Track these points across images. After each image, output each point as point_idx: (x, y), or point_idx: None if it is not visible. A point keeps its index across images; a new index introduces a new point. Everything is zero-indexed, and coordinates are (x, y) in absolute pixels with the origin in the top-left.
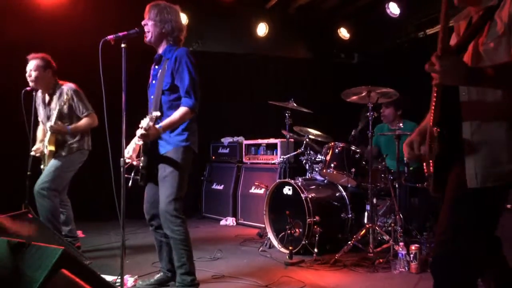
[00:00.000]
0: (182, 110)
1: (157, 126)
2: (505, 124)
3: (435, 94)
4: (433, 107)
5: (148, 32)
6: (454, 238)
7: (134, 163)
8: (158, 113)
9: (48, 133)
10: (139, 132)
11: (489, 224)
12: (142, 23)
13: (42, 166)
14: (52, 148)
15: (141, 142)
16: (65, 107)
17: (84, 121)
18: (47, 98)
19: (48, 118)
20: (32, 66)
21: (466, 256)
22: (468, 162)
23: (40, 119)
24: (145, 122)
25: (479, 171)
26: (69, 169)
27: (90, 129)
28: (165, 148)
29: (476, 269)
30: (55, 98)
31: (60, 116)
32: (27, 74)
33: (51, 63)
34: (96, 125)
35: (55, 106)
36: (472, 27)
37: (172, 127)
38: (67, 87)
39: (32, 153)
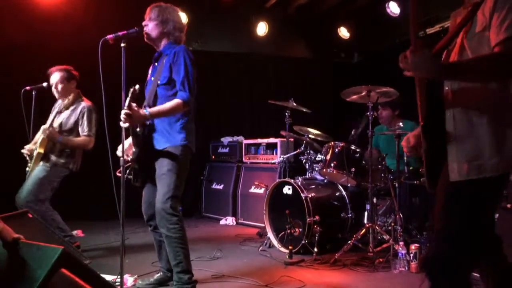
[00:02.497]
0: (174, 101)
1: (144, 110)
2: (486, 117)
3: (418, 89)
4: (418, 101)
5: (149, 32)
6: (445, 237)
7: (127, 158)
8: (137, 86)
9: (42, 135)
10: (122, 112)
11: (480, 221)
12: (143, 23)
13: (27, 168)
14: (41, 150)
15: (126, 125)
16: (72, 119)
17: (78, 139)
18: (62, 106)
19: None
20: (57, 78)
21: (458, 254)
22: (451, 156)
23: (48, 121)
24: (126, 101)
25: (460, 164)
26: (51, 180)
27: (83, 152)
28: (162, 145)
29: (469, 267)
30: (69, 110)
31: (63, 125)
32: (53, 87)
33: (75, 74)
34: (89, 149)
35: (63, 117)
36: (459, 22)
37: (160, 115)
38: (84, 104)
39: (24, 150)
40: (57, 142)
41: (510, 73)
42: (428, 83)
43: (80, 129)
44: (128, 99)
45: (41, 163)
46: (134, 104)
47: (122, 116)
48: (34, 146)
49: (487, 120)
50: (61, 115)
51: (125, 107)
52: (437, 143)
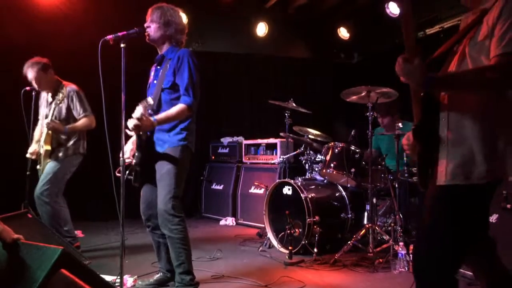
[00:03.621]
0: (179, 106)
1: (151, 118)
2: (479, 124)
3: (412, 93)
4: (413, 106)
5: (151, 34)
6: (427, 237)
7: (128, 160)
8: (151, 101)
9: (44, 133)
10: (131, 122)
11: (466, 225)
12: (145, 25)
13: (38, 167)
14: (48, 147)
15: (133, 133)
16: (63, 107)
17: (81, 122)
18: (49, 98)
19: (46, 117)
20: (33, 74)
21: (438, 255)
22: (441, 159)
23: (39, 118)
24: (137, 111)
25: (449, 169)
26: (65, 173)
27: (87, 132)
28: (163, 146)
29: (449, 269)
30: (56, 98)
31: (58, 116)
32: (33, 83)
33: (48, 63)
34: (94, 127)
35: (54, 105)
36: (463, 29)
37: (167, 122)
38: (69, 88)
39: (28, 155)
40: (64, 133)
41: (499, 86)
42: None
43: (75, 112)
44: (141, 110)
45: (51, 160)
46: (143, 110)
47: (131, 126)
48: (37, 145)
49: (479, 127)
50: (52, 107)
51: (135, 118)
52: (430, 145)
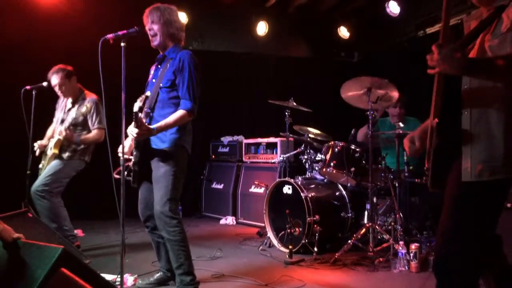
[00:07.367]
0: (179, 113)
1: (151, 127)
2: (503, 118)
3: (436, 85)
4: (434, 98)
5: (155, 35)
6: (455, 238)
7: (126, 156)
8: (148, 93)
9: (56, 137)
10: (130, 129)
11: (489, 222)
12: (147, 27)
13: (40, 165)
14: (56, 151)
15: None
16: (81, 118)
17: (92, 134)
18: (69, 104)
19: (62, 121)
20: (58, 80)
21: (467, 256)
22: (465, 155)
23: (55, 119)
24: (136, 106)
25: (474, 165)
26: (66, 175)
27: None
28: (158, 146)
29: (478, 268)
30: (76, 106)
31: (74, 123)
32: (56, 89)
33: (72, 70)
34: (101, 141)
35: (73, 114)
36: (480, 24)
37: (166, 129)
38: (90, 98)
39: (35, 145)
40: (75, 143)
41: None
42: (446, 80)
43: (90, 122)
44: (139, 104)
45: (55, 159)
46: (141, 115)
47: (131, 134)
48: (47, 142)
49: (504, 121)
50: (70, 113)
51: (135, 125)
52: (449, 142)
